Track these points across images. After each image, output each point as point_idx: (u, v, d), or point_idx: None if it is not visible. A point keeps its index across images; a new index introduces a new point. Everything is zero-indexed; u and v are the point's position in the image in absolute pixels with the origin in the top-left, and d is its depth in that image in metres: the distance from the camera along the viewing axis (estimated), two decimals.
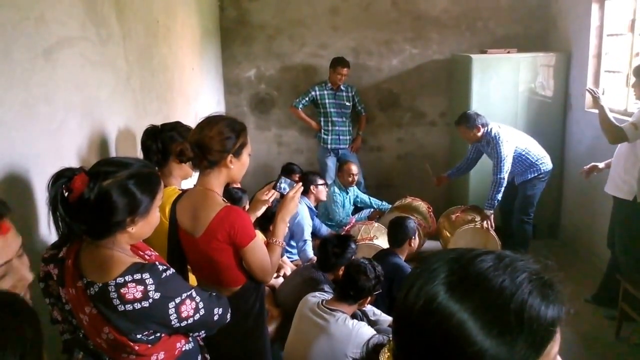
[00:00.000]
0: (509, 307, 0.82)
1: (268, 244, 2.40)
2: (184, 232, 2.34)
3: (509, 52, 5.81)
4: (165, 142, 2.73)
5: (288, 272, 4.26)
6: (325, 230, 5.35)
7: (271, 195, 2.64)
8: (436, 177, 5.64)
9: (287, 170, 5.50)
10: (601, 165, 4.48)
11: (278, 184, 2.54)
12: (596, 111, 5.09)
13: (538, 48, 6.10)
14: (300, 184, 2.53)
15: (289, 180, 2.55)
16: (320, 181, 5.23)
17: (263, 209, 2.70)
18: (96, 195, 1.66)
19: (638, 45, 4.80)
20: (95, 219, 1.68)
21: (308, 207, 5.01)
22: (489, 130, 5.00)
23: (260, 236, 2.73)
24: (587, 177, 4.60)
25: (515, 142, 5.02)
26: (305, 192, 5.07)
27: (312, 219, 5.07)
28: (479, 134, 5.01)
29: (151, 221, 1.81)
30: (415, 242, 4.22)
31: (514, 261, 0.89)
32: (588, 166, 4.57)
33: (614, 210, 4.30)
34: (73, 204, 1.66)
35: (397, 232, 4.22)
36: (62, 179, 1.68)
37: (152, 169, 1.88)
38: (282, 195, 2.53)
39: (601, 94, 4.28)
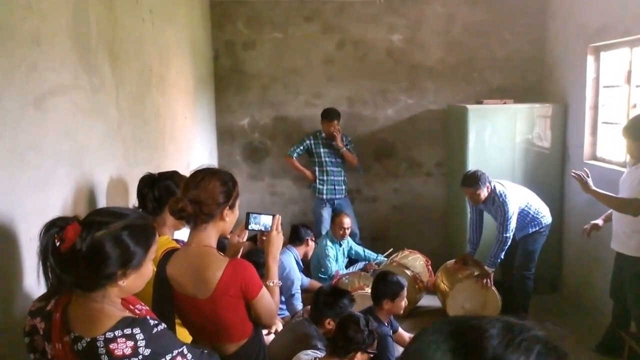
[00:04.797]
0: None
1: (266, 287, 2.35)
2: (182, 296, 2.25)
3: (505, 103, 5.80)
4: (161, 191, 2.74)
5: (279, 329, 4.08)
6: (306, 281, 5.19)
7: (244, 236, 2.59)
8: (461, 260, 5.28)
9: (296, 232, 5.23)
10: (600, 222, 4.37)
11: (249, 223, 2.48)
12: (597, 162, 5.09)
13: (535, 99, 6.10)
14: (278, 215, 2.47)
15: (257, 216, 2.48)
16: (310, 241, 5.12)
17: (240, 250, 2.63)
18: (88, 246, 1.62)
19: (635, 97, 4.79)
20: (86, 270, 1.64)
21: (295, 260, 4.87)
22: (492, 187, 4.88)
23: None
24: (588, 236, 4.43)
25: (519, 199, 4.92)
26: (293, 242, 4.95)
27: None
28: (486, 193, 4.87)
29: (144, 274, 1.77)
30: (395, 305, 3.94)
31: (523, 331, 0.83)
32: (589, 226, 4.41)
33: (619, 265, 4.17)
34: (64, 254, 1.62)
35: (375, 288, 4.04)
36: (54, 228, 1.64)
37: (147, 220, 1.85)
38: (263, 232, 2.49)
39: (588, 178, 4.20)
